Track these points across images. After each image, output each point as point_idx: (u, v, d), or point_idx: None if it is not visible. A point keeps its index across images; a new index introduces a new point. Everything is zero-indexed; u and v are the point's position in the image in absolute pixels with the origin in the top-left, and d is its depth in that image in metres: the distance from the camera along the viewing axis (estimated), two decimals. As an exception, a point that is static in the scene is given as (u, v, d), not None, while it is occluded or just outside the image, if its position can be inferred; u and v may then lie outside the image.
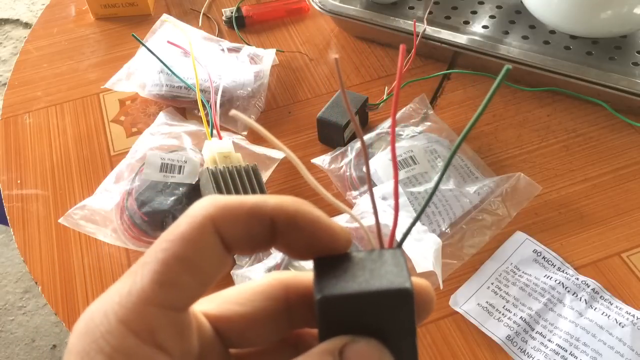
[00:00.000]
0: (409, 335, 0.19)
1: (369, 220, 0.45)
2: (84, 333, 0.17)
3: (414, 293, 0.18)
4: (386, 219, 0.43)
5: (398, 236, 0.20)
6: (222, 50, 0.65)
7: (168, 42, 0.64)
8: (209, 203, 0.18)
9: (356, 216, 0.21)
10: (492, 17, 0.66)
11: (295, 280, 0.21)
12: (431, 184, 0.49)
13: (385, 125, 0.56)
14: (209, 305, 0.21)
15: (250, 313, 0.21)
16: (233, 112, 0.19)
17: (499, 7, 0.67)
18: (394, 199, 0.20)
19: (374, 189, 0.49)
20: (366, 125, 0.59)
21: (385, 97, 0.59)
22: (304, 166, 0.20)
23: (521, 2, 0.64)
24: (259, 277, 0.22)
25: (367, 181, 0.19)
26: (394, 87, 0.60)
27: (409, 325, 0.19)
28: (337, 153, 0.54)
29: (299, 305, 0.21)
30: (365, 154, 0.20)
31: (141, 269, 0.18)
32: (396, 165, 0.19)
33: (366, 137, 0.54)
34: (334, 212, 0.46)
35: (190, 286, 0.18)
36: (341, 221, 0.46)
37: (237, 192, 0.48)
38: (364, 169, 0.52)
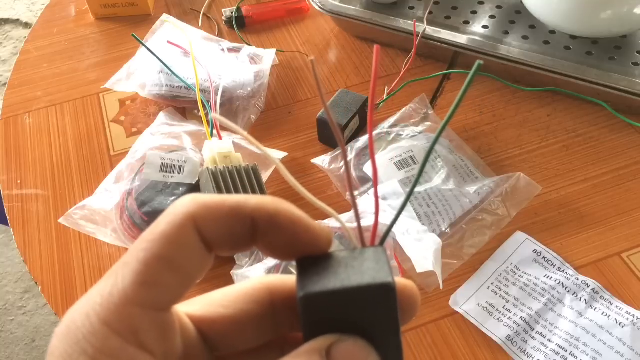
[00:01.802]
0: (394, 333, 0.19)
1: (368, 220, 0.45)
2: (66, 335, 0.17)
3: (396, 288, 0.18)
4: (385, 218, 0.43)
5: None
6: (222, 50, 0.65)
7: (168, 42, 0.64)
8: (189, 201, 0.18)
9: (338, 217, 0.21)
10: (492, 17, 0.66)
11: (280, 284, 0.21)
12: (431, 184, 0.49)
13: (385, 126, 0.56)
14: (193, 307, 0.21)
15: (234, 316, 0.20)
16: (214, 115, 0.19)
17: (499, 7, 0.67)
18: (374, 197, 0.20)
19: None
20: (366, 125, 0.59)
21: (385, 97, 0.59)
22: (283, 166, 0.20)
23: (521, 2, 0.64)
24: (245, 281, 0.22)
25: (348, 183, 0.19)
26: (394, 87, 0.60)
27: (393, 323, 0.19)
28: (337, 153, 0.54)
29: (284, 309, 0.21)
30: (346, 164, 0.20)
31: (122, 269, 0.17)
32: (375, 166, 0.19)
33: (365, 137, 0.54)
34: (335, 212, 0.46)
35: (171, 285, 0.18)
36: (341, 220, 0.45)
37: (237, 192, 0.48)
38: (364, 169, 0.52)
